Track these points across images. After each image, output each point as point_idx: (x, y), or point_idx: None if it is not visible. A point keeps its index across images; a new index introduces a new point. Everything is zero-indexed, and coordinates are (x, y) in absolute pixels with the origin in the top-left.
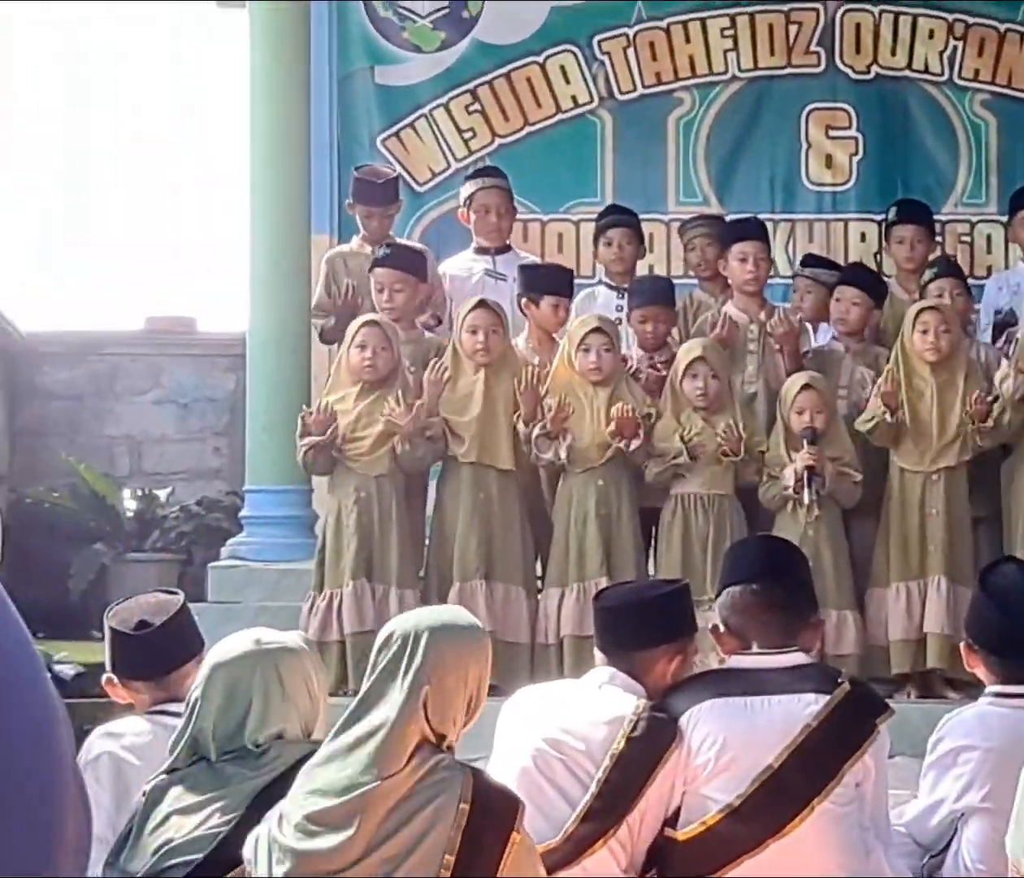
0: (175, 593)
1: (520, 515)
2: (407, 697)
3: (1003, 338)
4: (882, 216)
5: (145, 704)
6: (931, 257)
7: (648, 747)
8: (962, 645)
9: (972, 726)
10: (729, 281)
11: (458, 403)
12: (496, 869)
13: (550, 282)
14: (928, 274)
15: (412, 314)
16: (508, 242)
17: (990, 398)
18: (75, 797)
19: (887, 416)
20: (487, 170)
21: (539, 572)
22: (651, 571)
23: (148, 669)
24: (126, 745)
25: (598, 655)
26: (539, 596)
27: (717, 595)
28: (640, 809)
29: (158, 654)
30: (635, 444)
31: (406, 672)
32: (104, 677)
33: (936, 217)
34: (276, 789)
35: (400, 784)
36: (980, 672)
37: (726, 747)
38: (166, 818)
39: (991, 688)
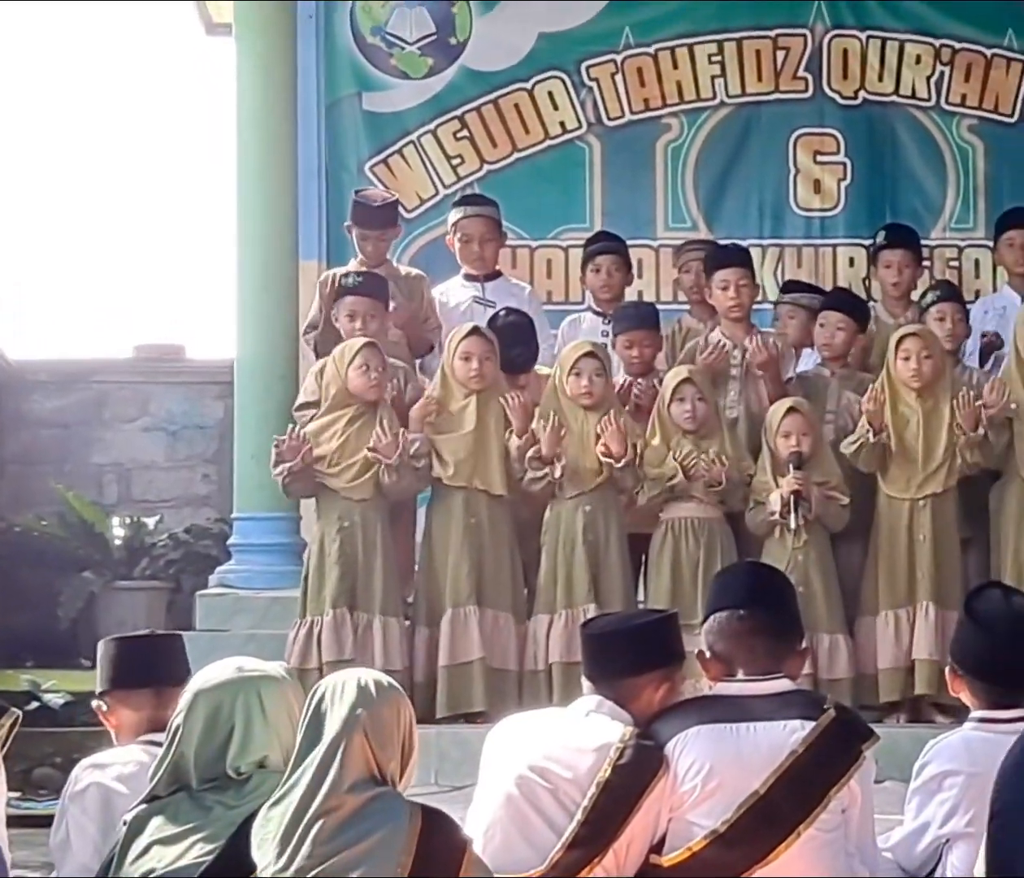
0: (173, 635)
1: (510, 541)
2: (345, 723)
3: (991, 361)
4: (870, 241)
5: (135, 728)
6: (931, 281)
7: (634, 775)
8: (947, 670)
9: (957, 751)
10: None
11: (450, 429)
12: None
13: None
14: (930, 297)
15: (382, 339)
16: (498, 268)
17: (978, 405)
18: None
19: (870, 435)
20: (472, 198)
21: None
22: (641, 597)
23: (152, 677)
24: (114, 775)
25: (585, 683)
26: (528, 622)
27: (703, 621)
28: (626, 837)
29: (164, 663)
30: (624, 461)
31: (341, 707)
32: (95, 703)
33: (924, 242)
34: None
35: (345, 808)
36: (964, 697)
37: (712, 773)
38: (147, 848)
39: (976, 713)
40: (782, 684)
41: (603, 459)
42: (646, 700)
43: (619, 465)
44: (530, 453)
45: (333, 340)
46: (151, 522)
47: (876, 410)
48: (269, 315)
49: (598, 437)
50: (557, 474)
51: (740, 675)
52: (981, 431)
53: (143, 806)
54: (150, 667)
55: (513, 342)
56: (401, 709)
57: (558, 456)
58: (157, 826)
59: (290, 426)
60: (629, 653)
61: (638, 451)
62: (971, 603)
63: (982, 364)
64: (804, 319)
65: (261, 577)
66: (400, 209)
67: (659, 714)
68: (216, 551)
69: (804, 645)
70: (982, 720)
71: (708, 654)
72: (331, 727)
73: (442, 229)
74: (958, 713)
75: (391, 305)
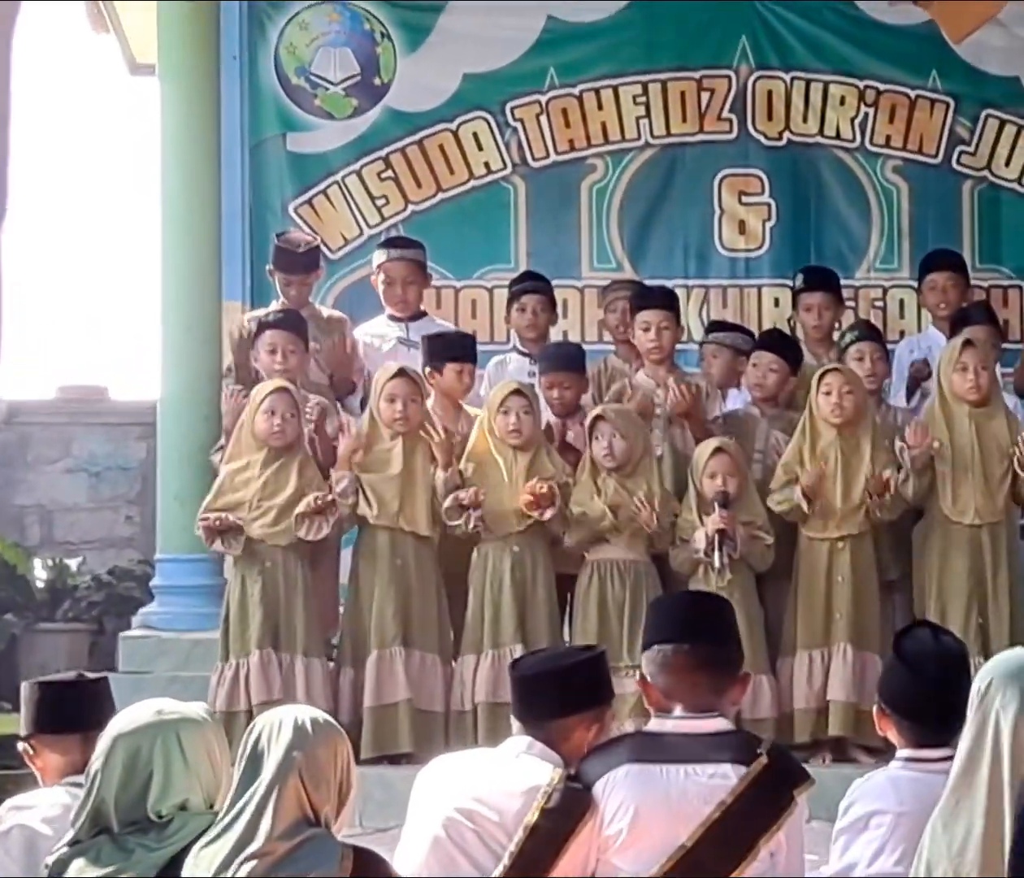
0: (98, 679)
1: (436, 582)
2: (280, 766)
3: (918, 394)
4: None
5: (61, 771)
6: (848, 322)
7: (562, 819)
8: (874, 709)
9: (884, 790)
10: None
11: (377, 470)
12: None
13: (451, 349)
14: (849, 337)
15: (301, 377)
16: (423, 309)
17: (887, 475)
18: None
19: (804, 505)
20: (396, 241)
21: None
22: (567, 638)
23: (80, 721)
24: (39, 817)
25: (515, 723)
26: (454, 663)
27: (645, 648)
28: None
29: (89, 705)
30: (550, 514)
31: (277, 747)
32: (21, 745)
33: (849, 282)
34: (181, 861)
35: (277, 852)
36: (892, 736)
37: (638, 817)
38: None
39: (902, 752)
40: (717, 724)
41: (528, 512)
42: (576, 741)
43: (545, 518)
44: (448, 503)
45: (252, 383)
46: (74, 564)
47: (814, 484)
48: (192, 356)
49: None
50: (471, 526)
51: (677, 711)
52: (888, 498)
53: (65, 849)
54: (77, 711)
55: None
56: (339, 748)
57: (476, 505)
58: (79, 869)
59: (215, 516)
60: (558, 694)
61: (564, 493)
62: (900, 643)
63: (911, 394)
64: (728, 359)
65: (184, 619)
66: (324, 250)
67: (589, 753)
68: (139, 593)
69: (745, 671)
70: (909, 759)
71: (649, 679)
72: (267, 769)
73: (367, 270)
74: (883, 753)
75: (312, 346)
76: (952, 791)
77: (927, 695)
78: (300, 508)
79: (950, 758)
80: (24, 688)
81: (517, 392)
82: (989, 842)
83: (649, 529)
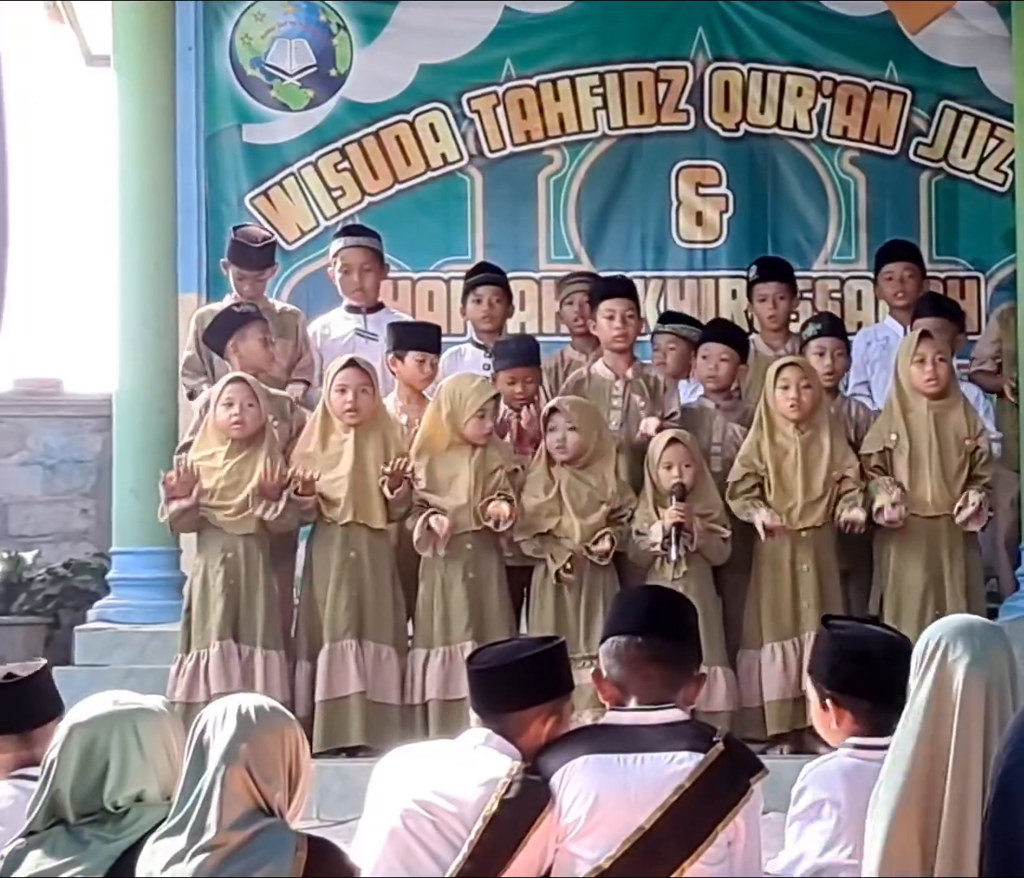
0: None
1: (391, 574)
2: (225, 756)
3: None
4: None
5: (6, 766)
6: (812, 312)
7: (521, 810)
8: (814, 701)
9: (835, 780)
10: (599, 339)
11: (328, 463)
12: None
13: (414, 338)
14: (811, 330)
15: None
16: (380, 301)
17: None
18: None
19: (761, 535)
20: (353, 228)
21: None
22: (524, 631)
23: (13, 723)
24: None
25: (472, 716)
26: (408, 656)
27: (603, 640)
28: (512, 872)
29: (24, 706)
30: (505, 526)
31: (222, 738)
32: None
33: (806, 273)
34: (136, 852)
35: (230, 843)
36: (833, 731)
37: (598, 805)
38: None
39: (851, 740)
40: (673, 714)
41: (488, 525)
42: (533, 733)
43: (504, 528)
44: (417, 536)
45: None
46: (29, 557)
47: (777, 530)
48: (148, 348)
49: (479, 481)
50: (440, 552)
51: (632, 703)
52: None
53: (20, 841)
54: (9, 714)
55: None
56: (286, 735)
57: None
58: (35, 860)
59: (177, 460)
60: (515, 687)
61: (512, 482)
62: (835, 630)
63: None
64: (683, 350)
65: (140, 612)
66: (280, 242)
67: (546, 745)
68: (95, 586)
69: (702, 671)
70: (858, 747)
71: (604, 673)
72: (212, 759)
73: (323, 261)
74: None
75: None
76: (892, 749)
77: (881, 675)
78: (253, 482)
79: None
80: None
81: (496, 397)
82: (927, 796)
83: (607, 554)
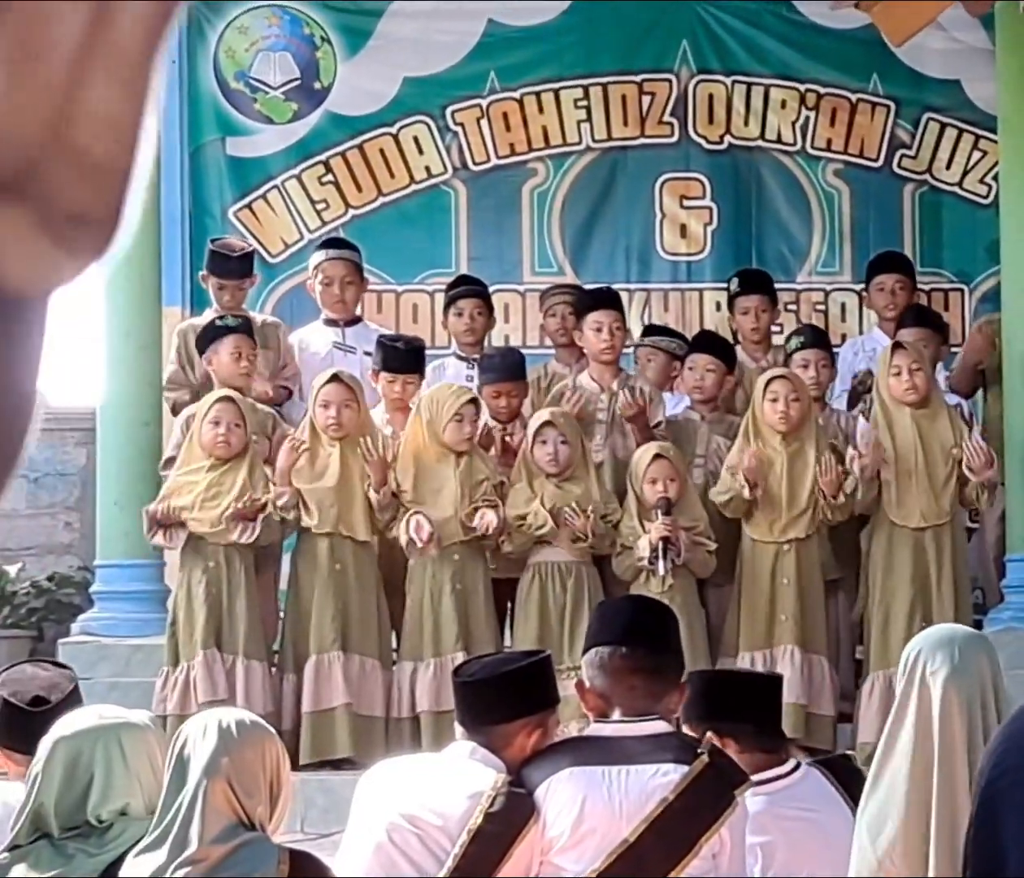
0: (64, 667)
1: (376, 586)
2: (206, 770)
3: (861, 403)
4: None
5: (23, 777)
6: (796, 324)
7: (505, 823)
8: (710, 736)
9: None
10: (584, 351)
11: (315, 476)
12: None
13: (386, 359)
14: (795, 342)
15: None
16: (359, 314)
17: (842, 468)
18: None
19: (745, 491)
20: (333, 241)
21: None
22: (508, 642)
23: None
24: None
25: (458, 728)
26: (393, 669)
27: (585, 650)
28: None
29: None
30: (492, 529)
31: (203, 751)
32: None
33: (791, 286)
34: (121, 866)
35: (212, 858)
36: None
37: (582, 818)
38: None
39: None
40: (657, 726)
41: (474, 528)
42: (519, 746)
43: (490, 532)
44: (404, 541)
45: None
46: (12, 570)
47: (756, 466)
48: (132, 361)
49: (465, 491)
50: (432, 553)
51: (616, 715)
52: (842, 499)
53: (5, 854)
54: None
55: None
56: (267, 749)
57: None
58: (19, 874)
59: (159, 503)
60: (500, 700)
61: (499, 494)
62: (702, 674)
63: (851, 406)
64: (663, 363)
65: (124, 625)
66: (263, 255)
67: (530, 758)
68: (79, 599)
69: (684, 680)
70: (759, 782)
71: (587, 684)
72: (193, 774)
73: (307, 275)
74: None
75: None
76: (876, 762)
77: (761, 704)
78: (228, 511)
79: (794, 770)
80: None
81: (472, 400)
82: (914, 809)
83: (584, 538)
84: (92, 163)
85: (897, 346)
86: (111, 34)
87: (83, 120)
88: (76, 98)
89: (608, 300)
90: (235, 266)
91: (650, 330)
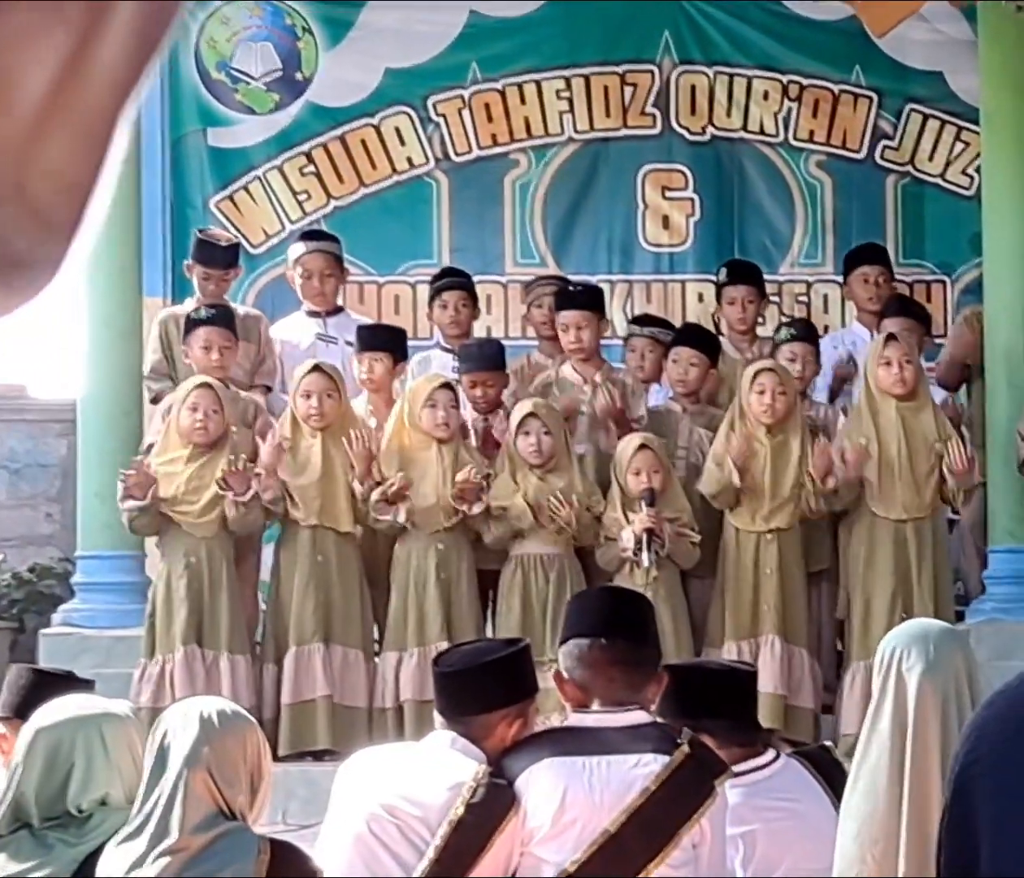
0: (89, 681)
1: (359, 578)
2: (187, 760)
3: (842, 395)
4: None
5: None
6: (779, 316)
7: (486, 813)
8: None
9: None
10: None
11: (297, 467)
12: None
13: (363, 340)
14: (784, 334)
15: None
16: (340, 304)
17: (832, 449)
18: None
19: (735, 477)
20: (312, 233)
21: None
22: (490, 633)
23: None
24: None
25: (438, 718)
26: (376, 659)
27: (563, 642)
28: (477, 875)
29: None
30: (478, 508)
31: (183, 741)
32: None
33: (773, 277)
34: (100, 856)
35: (192, 847)
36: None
37: (563, 808)
38: None
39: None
40: (637, 716)
41: (457, 505)
42: (499, 736)
43: (473, 512)
44: (375, 497)
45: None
46: None
47: (745, 448)
48: (112, 352)
49: (453, 481)
50: (401, 518)
51: (595, 705)
52: (832, 483)
53: None
54: None
55: None
56: (247, 739)
57: (404, 498)
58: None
59: (137, 458)
60: (481, 690)
61: (487, 487)
62: (677, 671)
63: (834, 396)
64: (661, 354)
65: (105, 616)
66: (245, 246)
67: (510, 748)
68: (60, 590)
69: (661, 670)
70: (737, 774)
71: (565, 676)
72: (173, 763)
73: (287, 266)
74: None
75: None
76: (856, 758)
77: (733, 693)
78: (218, 474)
79: (772, 761)
80: (13, 669)
81: (445, 385)
82: (891, 805)
83: (569, 528)
84: (43, 216)
85: (891, 337)
86: (80, 90)
87: (39, 174)
88: (35, 152)
89: (574, 300)
90: (221, 256)
91: (646, 320)
